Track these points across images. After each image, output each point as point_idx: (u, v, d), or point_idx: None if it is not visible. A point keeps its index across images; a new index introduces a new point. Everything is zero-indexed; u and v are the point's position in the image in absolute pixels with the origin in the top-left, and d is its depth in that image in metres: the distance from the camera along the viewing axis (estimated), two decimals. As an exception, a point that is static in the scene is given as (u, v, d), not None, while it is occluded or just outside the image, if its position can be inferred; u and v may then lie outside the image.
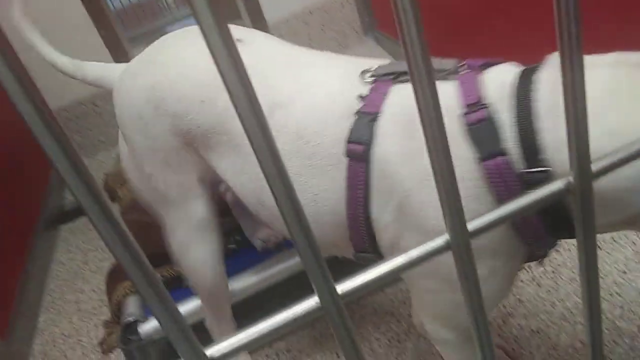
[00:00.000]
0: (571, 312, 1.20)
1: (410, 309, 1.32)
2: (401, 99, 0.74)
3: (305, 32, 2.62)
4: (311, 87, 0.82)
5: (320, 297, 0.31)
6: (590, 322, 0.38)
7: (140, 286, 0.27)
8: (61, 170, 0.24)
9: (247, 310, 1.25)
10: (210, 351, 0.30)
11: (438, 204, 0.31)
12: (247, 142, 0.25)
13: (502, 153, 0.65)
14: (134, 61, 1.00)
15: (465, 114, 0.67)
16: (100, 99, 2.50)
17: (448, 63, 0.74)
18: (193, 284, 1.13)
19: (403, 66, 0.76)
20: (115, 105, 0.99)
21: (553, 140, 0.62)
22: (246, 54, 0.95)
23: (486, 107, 0.66)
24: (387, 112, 0.74)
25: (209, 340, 0.31)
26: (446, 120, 0.29)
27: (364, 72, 0.80)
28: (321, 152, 0.78)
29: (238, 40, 0.87)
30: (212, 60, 0.23)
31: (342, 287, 0.31)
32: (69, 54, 1.10)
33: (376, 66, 0.80)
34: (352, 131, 0.75)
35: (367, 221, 0.77)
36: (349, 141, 0.75)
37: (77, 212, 2.21)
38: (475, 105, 0.67)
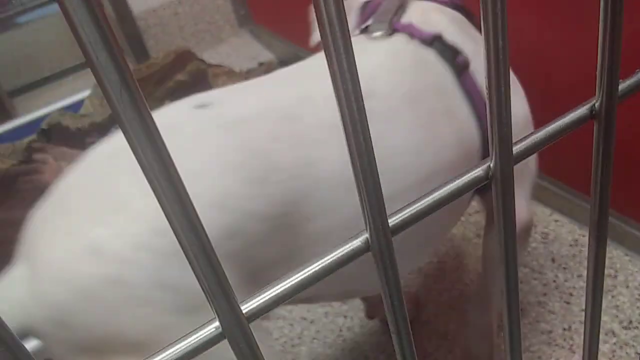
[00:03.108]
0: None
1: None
2: (425, 9, 0.82)
3: (175, 23, 2.48)
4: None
5: (221, 320, 0.24)
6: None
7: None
8: None
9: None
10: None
11: None
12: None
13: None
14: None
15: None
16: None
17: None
18: None
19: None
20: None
21: None
22: (222, 114, 0.69)
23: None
24: (439, 26, 0.81)
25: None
26: None
27: (364, 31, 0.81)
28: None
29: (201, 106, 0.67)
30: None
31: (247, 306, 0.25)
32: None
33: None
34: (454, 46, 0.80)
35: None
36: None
37: None
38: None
